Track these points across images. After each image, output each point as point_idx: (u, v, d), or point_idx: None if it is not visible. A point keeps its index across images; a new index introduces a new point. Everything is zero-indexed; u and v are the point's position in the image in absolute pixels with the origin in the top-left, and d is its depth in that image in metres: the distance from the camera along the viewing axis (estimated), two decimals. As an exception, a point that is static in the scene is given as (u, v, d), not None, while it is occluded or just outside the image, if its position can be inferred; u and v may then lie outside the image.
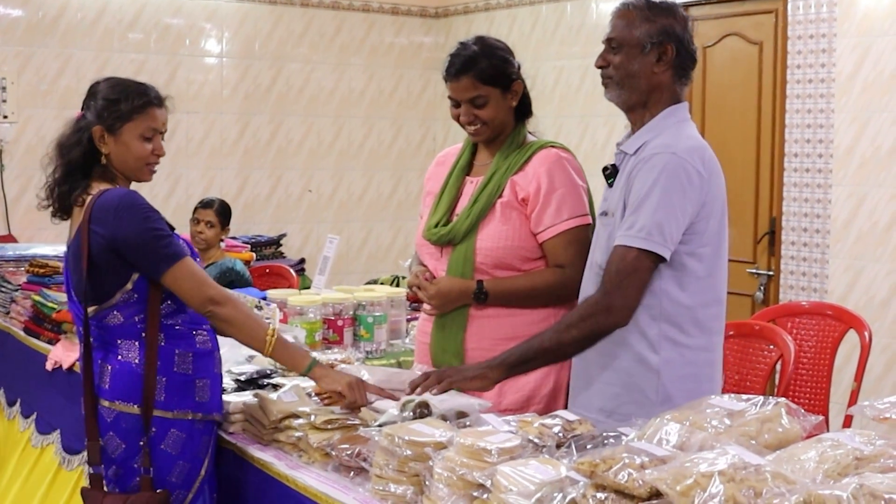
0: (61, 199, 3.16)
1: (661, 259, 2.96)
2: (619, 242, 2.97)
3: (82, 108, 3.20)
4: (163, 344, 3.07)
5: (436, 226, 3.54)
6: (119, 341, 3.08)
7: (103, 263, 3.03)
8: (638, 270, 2.96)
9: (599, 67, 3.17)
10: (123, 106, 3.12)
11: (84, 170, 3.13)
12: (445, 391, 2.98)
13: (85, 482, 3.17)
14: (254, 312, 3.13)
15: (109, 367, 3.08)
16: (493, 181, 3.45)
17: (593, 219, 3.45)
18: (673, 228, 2.95)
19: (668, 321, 3.04)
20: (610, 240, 3.06)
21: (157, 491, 3.02)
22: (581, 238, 3.38)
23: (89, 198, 3.08)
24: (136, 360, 3.06)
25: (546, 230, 3.39)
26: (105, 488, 3.06)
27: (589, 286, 3.19)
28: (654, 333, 3.04)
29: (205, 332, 3.17)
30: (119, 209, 3.01)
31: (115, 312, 3.07)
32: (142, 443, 3.02)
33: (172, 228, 3.15)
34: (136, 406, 3.04)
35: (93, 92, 3.20)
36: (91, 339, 3.12)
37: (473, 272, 3.44)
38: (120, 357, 3.07)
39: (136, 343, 3.07)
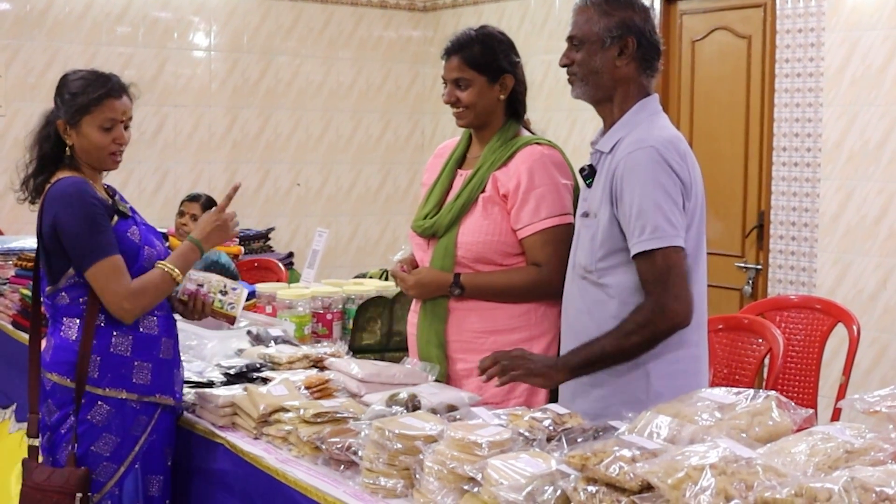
0: (31, 187, 3.35)
1: (682, 248, 2.97)
2: (639, 250, 2.95)
3: (54, 100, 3.35)
4: (102, 325, 3.22)
5: (424, 217, 3.56)
6: (64, 319, 3.24)
7: (51, 247, 3.21)
8: (673, 267, 2.95)
9: (563, 66, 3.18)
10: (81, 99, 3.24)
11: (54, 160, 3.30)
12: (506, 383, 3.05)
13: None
14: (150, 279, 3.23)
15: (53, 342, 3.26)
16: (477, 176, 3.47)
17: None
18: (677, 215, 2.96)
19: None
20: (593, 241, 3.07)
21: (80, 468, 3.16)
22: (559, 237, 3.38)
23: (48, 186, 3.26)
24: (74, 337, 3.22)
25: (524, 228, 3.39)
26: (40, 458, 3.23)
27: (572, 288, 3.19)
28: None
29: (153, 319, 3.30)
30: (64, 196, 3.18)
31: (62, 293, 3.24)
32: (70, 412, 3.19)
33: (127, 216, 3.30)
34: (68, 380, 3.20)
35: (60, 85, 3.35)
36: (47, 316, 3.33)
37: (454, 265, 3.45)
38: (61, 333, 3.24)
39: (78, 321, 3.23)
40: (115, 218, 3.25)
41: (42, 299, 3.35)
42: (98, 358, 3.20)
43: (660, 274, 2.95)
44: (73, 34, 7.40)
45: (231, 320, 3.54)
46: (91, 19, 7.47)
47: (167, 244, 5.28)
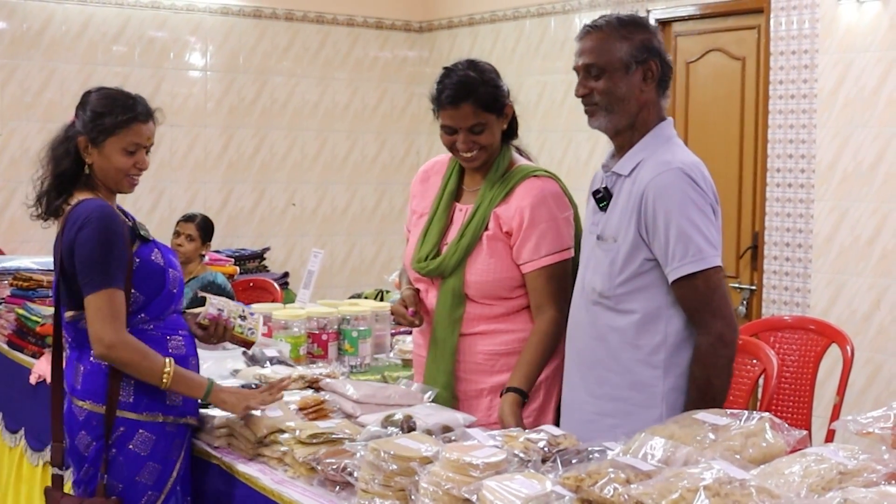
0: (48, 205, 3.21)
1: (721, 267, 2.95)
2: (680, 275, 2.91)
3: (75, 114, 3.24)
4: None
5: (426, 258, 3.50)
6: None
7: (72, 271, 3.08)
8: (715, 289, 2.92)
9: (581, 97, 3.06)
10: (108, 120, 3.14)
11: (70, 178, 3.18)
12: None
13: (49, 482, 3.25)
14: (150, 351, 3.10)
15: (82, 368, 3.13)
16: (478, 214, 3.43)
17: (578, 242, 3.41)
18: (713, 232, 2.94)
19: (672, 347, 3.00)
20: (612, 265, 3.01)
21: (111, 498, 3.07)
22: (560, 273, 3.37)
23: (68, 208, 3.14)
24: (106, 362, 3.09)
25: (525, 264, 3.38)
26: (65, 488, 3.13)
27: (580, 314, 3.15)
28: (658, 360, 3.00)
29: (180, 338, 3.21)
30: (86, 220, 3.06)
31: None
32: (110, 442, 3.07)
33: (147, 239, 3.20)
34: (104, 406, 3.09)
35: (84, 101, 3.23)
36: (67, 341, 3.18)
37: (464, 302, 3.43)
38: (92, 358, 3.11)
39: None
40: (136, 243, 3.16)
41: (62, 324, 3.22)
42: (133, 381, 3.09)
43: (704, 298, 2.92)
44: (69, 54, 7.42)
45: (249, 345, 3.51)
46: (87, 39, 7.49)
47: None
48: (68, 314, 3.16)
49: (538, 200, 3.38)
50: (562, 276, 3.37)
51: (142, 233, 3.20)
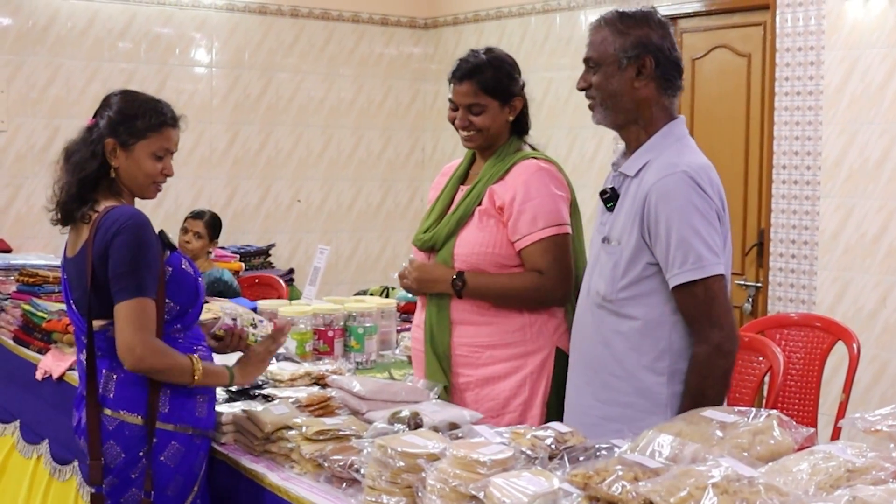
0: (71, 213, 3.12)
1: (723, 275, 2.91)
2: (681, 282, 2.89)
3: (95, 116, 3.17)
4: None
5: (424, 231, 3.61)
6: None
7: (105, 280, 2.99)
8: (714, 298, 2.90)
9: (581, 90, 3.10)
10: (140, 123, 3.09)
11: (93, 183, 3.10)
12: None
13: (82, 498, 3.16)
14: (173, 350, 3.02)
15: (115, 377, 3.04)
16: (475, 190, 3.52)
17: (575, 229, 3.49)
18: (715, 238, 2.91)
19: (676, 354, 2.99)
20: (615, 269, 3.00)
21: None
22: (557, 245, 3.41)
23: (96, 215, 3.05)
24: None
25: (522, 238, 3.43)
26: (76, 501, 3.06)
27: (586, 317, 3.14)
28: (663, 366, 2.99)
29: (204, 349, 3.17)
30: (120, 227, 2.98)
31: None
32: (142, 453, 3.01)
33: (174, 248, 3.15)
34: (139, 416, 3.01)
35: (107, 103, 3.16)
36: (96, 350, 3.07)
37: None
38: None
39: None
40: (166, 252, 3.10)
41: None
42: (168, 391, 3.03)
43: (703, 307, 2.90)
44: (75, 50, 7.42)
45: None
46: (93, 35, 7.49)
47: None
48: (98, 323, 3.05)
49: (534, 177, 3.45)
50: (559, 250, 3.40)
51: (170, 240, 3.15)
